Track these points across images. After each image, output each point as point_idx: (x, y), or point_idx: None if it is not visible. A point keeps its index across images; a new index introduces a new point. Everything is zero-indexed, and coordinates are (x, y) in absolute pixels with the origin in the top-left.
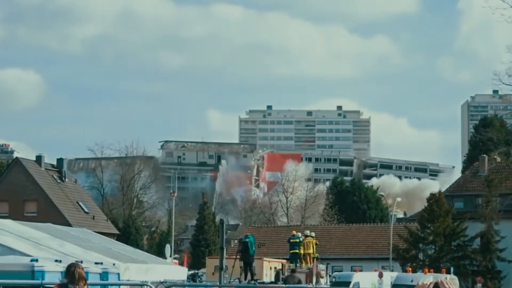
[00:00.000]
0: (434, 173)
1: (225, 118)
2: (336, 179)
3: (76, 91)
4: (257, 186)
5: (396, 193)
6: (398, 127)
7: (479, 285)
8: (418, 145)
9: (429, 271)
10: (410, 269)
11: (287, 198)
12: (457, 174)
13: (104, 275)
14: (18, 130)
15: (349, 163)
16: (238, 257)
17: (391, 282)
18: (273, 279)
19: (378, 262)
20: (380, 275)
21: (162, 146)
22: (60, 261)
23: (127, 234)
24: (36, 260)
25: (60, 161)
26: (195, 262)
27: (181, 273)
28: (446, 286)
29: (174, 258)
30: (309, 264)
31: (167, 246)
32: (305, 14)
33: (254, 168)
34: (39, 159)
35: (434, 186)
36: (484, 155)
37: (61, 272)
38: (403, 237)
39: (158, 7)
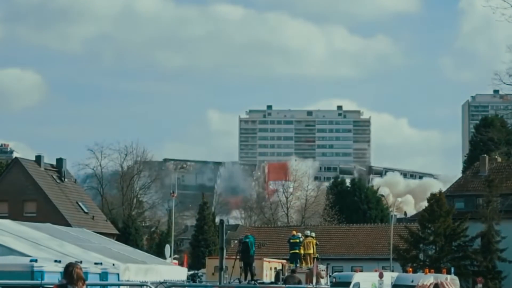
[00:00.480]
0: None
1: (225, 118)
2: (336, 179)
3: (76, 90)
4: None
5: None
6: (398, 127)
7: (479, 285)
8: (418, 145)
9: (429, 272)
10: (410, 269)
11: (287, 198)
12: (457, 174)
13: (103, 275)
14: (18, 130)
15: (349, 172)
16: (238, 257)
17: (392, 283)
18: (273, 280)
19: (379, 263)
20: (381, 276)
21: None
22: (60, 261)
23: (127, 235)
24: (36, 261)
25: (59, 161)
26: (195, 263)
27: (181, 273)
28: (446, 287)
29: (174, 259)
30: (309, 264)
31: (167, 246)
32: (305, 14)
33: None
34: (38, 159)
35: (438, 185)
36: (485, 155)
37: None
38: (404, 237)
39: (158, 7)
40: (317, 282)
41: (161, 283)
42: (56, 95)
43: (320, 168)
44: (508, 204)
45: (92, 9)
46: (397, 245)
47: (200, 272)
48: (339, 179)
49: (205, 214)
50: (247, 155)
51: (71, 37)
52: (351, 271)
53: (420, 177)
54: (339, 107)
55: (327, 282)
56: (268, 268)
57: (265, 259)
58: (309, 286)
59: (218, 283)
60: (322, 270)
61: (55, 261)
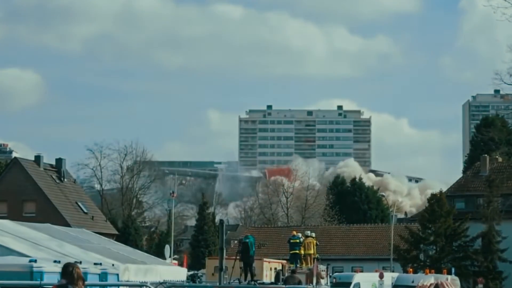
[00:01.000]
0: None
1: (225, 118)
2: (336, 179)
3: (75, 90)
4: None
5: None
6: (398, 127)
7: (480, 285)
8: (419, 145)
9: (430, 272)
10: (411, 269)
11: (287, 198)
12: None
13: (103, 275)
14: (17, 130)
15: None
16: (238, 257)
17: (392, 283)
18: (273, 280)
19: (379, 263)
20: (381, 276)
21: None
22: (59, 262)
23: (126, 235)
24: (35, 261)
25: (59, 161)
26: (195, 263)
27: (180, 273)
28: (447, 287)
29: (174, 259)
30: (309, 264)
31: (167, 247)
32: (305, 14)
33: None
34: (37, 159)
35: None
36: (486, 155)
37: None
38: (404, 238)
39: (158, 6)
40: (317, 282)
41: (160, 283)
42: (55, 95)
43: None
44: (508, 204)
45: (92, 9)
46: (397, 245)
47: (200, 272)
48: (339, 179)
49: (205, 214)
50: (247, 155)
51: (70, 37)
52: (352, 272)
53: (416, 181)
54: (339, 107)
55: (327, 283)
56: (268, 269)
57: (265, 259)
58: (309, 287)
59: (218, 284)
60: (322, 271)
61: (55, 261)
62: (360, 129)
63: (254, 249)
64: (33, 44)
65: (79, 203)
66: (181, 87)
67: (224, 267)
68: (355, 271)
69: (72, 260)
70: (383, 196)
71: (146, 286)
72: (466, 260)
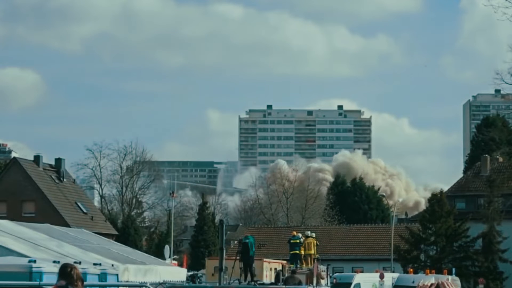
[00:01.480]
0: None
1: (225, 117)
2: (337, 179)
3: (75, 90)
4: None
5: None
6: (399, 127)
7: (481, 286)
8: (419, 145)
9: (430, 272)
10: (411, 270)
11: (287, 198)
12: (459, 174)
13: (102, 276)
14: (16, 130)
15: None
16: (238, 258)
17: (392, 283)
18: (273, 280)
19: (379, 263)
20: (381, 276)
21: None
22: (58, 262)
23: (126, 235)
24: (34, 261)
25: (58, 161)
26: (195, 263)
27: (180, 274)
28: (447, 287)
29: (174, 259)
30: (309, 265)
31: (166, 247)
32: (305, 13)
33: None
34: (37, 159)
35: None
36: (486, 155)
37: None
38: (405, 238)
39: (158, 6)
40: (318, 283)
41: (160, 284)
42: (55, 94)
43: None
44: (509, 205)
45: (92, 8)
46: (398, 245)
47: (200, 272)
48: (339, 179)
49: (205, 215)
50: (247, 155)
51: (70, 37)
52: (352, 272)
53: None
54: (340, 107)
55: (327, 283)
56: (268, 269)
57: (265, 259)
58: (309, 287)
59: (217, 284)
60: (322, 271)
61: (54, 261)
62: (361, 129)
63: (254, 250)
64: (33, 43)
65: (79, 203)
66: (181, 87)
67: (224, 268)
68: (355, 272)
69: (71, 261)
70: (384, 196)
71: (146, 286)
72: (467, 261)
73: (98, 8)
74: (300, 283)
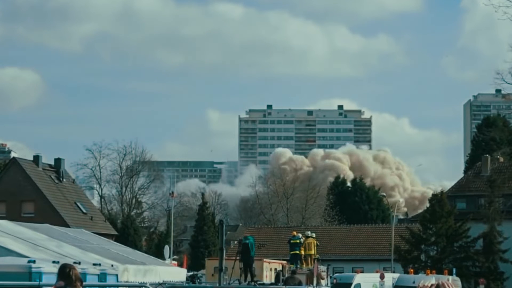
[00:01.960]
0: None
1: (225, 117)
2: (337, 179)
3: (75, 90)
4: None
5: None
6: (399, 127)
7: (481, 286)
8: (420, 145)
9: (431, 273)
10: (412, 270)
11: (287, 198)
12: (459, 174)
13: (102, 276)
14: (16, 130)
15: None
16: (238, 258)
17: (393, 284)
18: (273, 281)
19: (380, 263)
20: (382, 277)
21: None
22: (58, 262)
23: (126, 235)
24: (34, 261)
25: (57, 161)
26: (194, 263)
27: (180, 274)
28: (448, 287)
29: (173, 259)
30: (309, 265)
31: (166, 247)
32: (306, 13)
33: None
34: (36, 159)
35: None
36: (487, 155)
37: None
38: (405, 238)
39: (158, 5)
40: (318, 283)
41: (160, 284)
42: (54, 94)
43: None
44: (510, 205)
45: (92, 8)
46: (398, 246)
47: (200, 273)
48: (339, 179)
49: (205, 215)
50: (247, 155)
51: (70, 36)
52: (352, 272)
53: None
54: (340, 107)
55: (327, 283)
56: (268, 269)
57: (265, 260)
58: (309, 287)
59: (217, 284)
60: (322, 271)
61: (53, 262)
62: (361, 129)
63: (254, 250)
64: (33, 43)
65: (78, 204)
66: (181, 87)
67: (224, 268)
68: (355, 272)
69: (71, 261)
70: (384, 196)
71: (146, 287)
72: (467, 261)
73: (97, 8)
74: (300, 283)
